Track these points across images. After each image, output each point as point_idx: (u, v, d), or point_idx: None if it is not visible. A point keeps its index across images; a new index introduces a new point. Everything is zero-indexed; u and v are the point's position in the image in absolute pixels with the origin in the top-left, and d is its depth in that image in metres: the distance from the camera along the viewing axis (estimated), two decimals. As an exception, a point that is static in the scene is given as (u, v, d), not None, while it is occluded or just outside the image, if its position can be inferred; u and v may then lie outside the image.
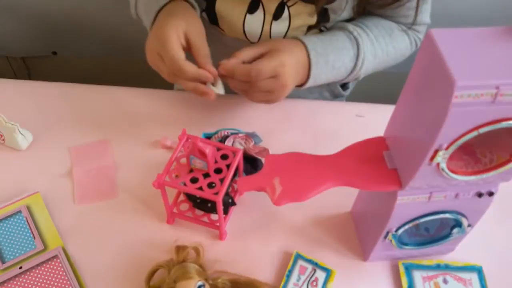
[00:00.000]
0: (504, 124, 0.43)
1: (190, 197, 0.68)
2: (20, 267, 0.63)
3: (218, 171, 0.63)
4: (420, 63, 0.46)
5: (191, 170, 0.64)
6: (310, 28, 0.78)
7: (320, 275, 0.63)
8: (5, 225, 0.67)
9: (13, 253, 0.65)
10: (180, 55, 0.64)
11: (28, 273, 0.63)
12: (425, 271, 0.64)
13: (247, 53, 0.68)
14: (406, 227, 0.58)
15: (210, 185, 0.61)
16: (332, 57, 0.73)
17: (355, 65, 0.75)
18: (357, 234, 0.68)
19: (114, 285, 0.63)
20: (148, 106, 0.82)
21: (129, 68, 1.20)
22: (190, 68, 0.64)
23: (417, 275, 0.63)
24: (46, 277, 0.63)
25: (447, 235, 0.61)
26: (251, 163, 0.70)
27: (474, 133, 0.44)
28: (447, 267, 0.64)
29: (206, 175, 0.63)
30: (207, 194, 0.60)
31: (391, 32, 0.79)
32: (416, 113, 0.48)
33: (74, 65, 1.32)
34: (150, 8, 0.72)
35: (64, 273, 0.63)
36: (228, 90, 0.86)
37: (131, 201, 0.71)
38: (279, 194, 0.54)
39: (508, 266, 0.65)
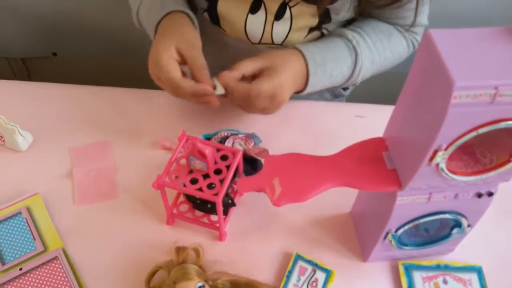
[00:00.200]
0: (503, 124, 0.43)
1: (190, 198, 0.68)
2: (20, 269, 0.63)
3: (218, 172, 0.63)
4: (419, 64, 0.46)
5: (190, 171, 0.64)
6: (311, 29, 0.78)
7: (320, 276, 0.63)
8: (5, 226, 0.67)
9: (13, 255, 0.65)
10: (175, 74, 0.67)
11: (28, 274, 0.63)
12: (425, 272, 0.64)
13: (247, 67, 0.69)
14: (406, 227, 0.58)
15: (210, 186, 0.61)
16: (330, 66, 0.74)
17: (353, 72, 0.76)
18: (357, 235, 0.68)
19: (114, 286, 0.63)
20: (148, 107, 0.82)
21: (129, 69, 1.20)
22: (187, 84, 0.67)
23: (417, 276, 0.63)
24: (46, 279, 0.63)
25: (447, 236, 0.61)
26: (251, 164, 0.70)
27: (473, 134, 0.44)
28: (446, 268, 0.64)
29: (206, 176, 0.63)
30: (207, 195, 0.60)
31: (389, 36, 0.79)
32: (415, 113, 0.48)
33: (74, 66, 1.32)
34: (151, 20, 0.75)
35: (64, 274, 0.63)
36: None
37: (131, 202, 0.71)
38: (278, 195, 0.54)
39: (507, 266, 0.65)
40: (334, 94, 0.97)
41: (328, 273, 0.63)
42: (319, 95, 0.94)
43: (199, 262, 0.61)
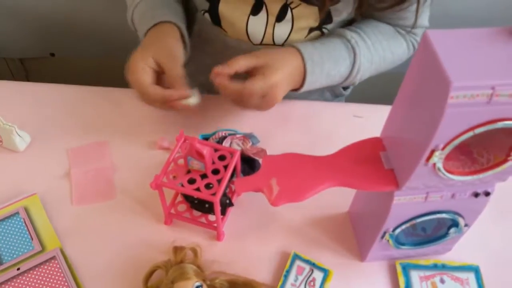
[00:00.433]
0: (500, 124, 0.44)
1: (187, 198, 0.68)
2: (18, 269, 0.63)
3: (215, 172, 0.63)
4: (416, 64, 0.46)
5: (188, 171, 0.64)
6: (312, 30, 0.78)
7: (318, 275, 0.63)
8: (2, 226, 0.67)
9: (11, 255, 0.65)
10: (144, 78, 0.68)
11: (26, 274, 0.63)
12: (422, 271, 0.64)
13: (241, 64, 0.69)
14: (403, 227, 0.58)
15: (208, 186, 0.62)
16: (328, 65, 0.74)
17: (351, 72, 0.76)
18: (355, 235, 0.68)
19: (112, 286, 0.63)
20: (145, 108, 0.81)
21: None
22: (154, 91, 0.68)
23: (414, 275, 0.63)
24: (44, 278, 0.63)
25: (444, 235, 0.62)
26: (249, 164, 0.71)
27: (470, 134, 0.44)
28: (444, 267, 0.64)
29: (204, 176, 0.63)
30: (204, 195, 0.60)
31: (389, 37, 0.79)
32: (412, 113, 0.48)
33: (72, 66, 1.32)
34: (142, 27, 0.76)
35: (62, 274, 0.63)
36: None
37: (129, 202, 0.71)
38: (276, 195, 0.54)
39: (504, 265, 0.65)
40: (334, 93, 0.97)
41: (326, 272, 0.63)
42: (320, 95, 0.94)
43: (197, 262, 0.62)
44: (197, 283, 0.57)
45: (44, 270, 0.64)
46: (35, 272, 0.63)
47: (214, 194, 0.60)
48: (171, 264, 0.61)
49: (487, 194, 0.55)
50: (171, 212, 0.68)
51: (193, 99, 0.69)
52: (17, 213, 0.68)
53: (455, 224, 0.60)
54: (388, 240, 0.60)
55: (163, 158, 0.74)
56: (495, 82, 0.40)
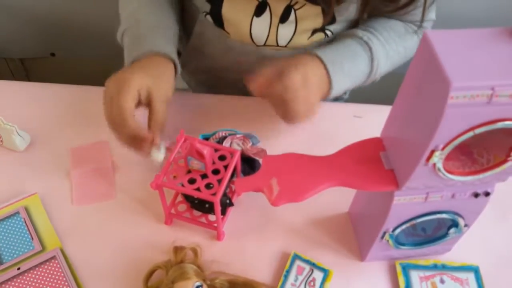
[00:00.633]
0: (499, 124, 0.44)
1: (188, 198, 0.68)
2: (18, 268, 0.63)
3: (216, 172, 0.63)
4: (416, 65, 0.46)
5: (189, 171, 0.64)
6: (315, 31, 0.78)
7: (318, 275, 0.63)
8: (3, 226, 0.67)
9: (11, 254, 0.65)
10: (131, 106, 0.63)
11: (26, 274, 0.63)
12: (422, 271, 0.64)
13: (266, 74, 0.68)
14: (403, 227, 0.58)
15: (208, 186, 0.62)
16: (348, 65, 0.73)
17: (371, 68, 0.76)
18: (355, 235, 0.68)
19: (112, 286, 0.63)
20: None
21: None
22: (133, 123, 0.63)
23: (414, 275, 0.63)
24: (44, 278, 0.63)
25: (444, 235, 0.62)
26: (249, 164, 0.71)
27: (470, 134, 0.44)
28: (444, 267, 0.64)
29: (204, 176, 0.63)
30: (204, 195, 0.60)
31: (400, 33, 0.79)
32: (412, 114, 0.49)
33: (72, 66, 1.32)
34: (131, 52, 0.72)
35: (62, 274, 0.63)
36: (227, 90, 0.86)
37: (129, 202, 0.71)
38: (276, 195, 0.54)
39: (504, 265, 0.66)
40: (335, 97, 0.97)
41: (326, 272, 0.63)
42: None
43: (197, 262, 0.62)
44: (197, 283, 0.57)
45: (44, 270, 0.64)
46: (35, 272, 0.63)
47: (214, 194, 0.60)
48: (171, 264, 0.61)
49: (487, 194, 0.55)
50: (172, 212, 0.68)
51: (161, 154, 0.66)
52: (18, 212, 0.68)
53: (455, 224, 0.60)
54: (388, 240, 0.60)
55: (163, 158, 0.74)
56: (495, 82, 0.40)
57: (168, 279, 0.59)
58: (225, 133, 0.75)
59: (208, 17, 0.79)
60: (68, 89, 0.86)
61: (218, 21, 0.79)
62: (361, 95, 0.96)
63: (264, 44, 0.80)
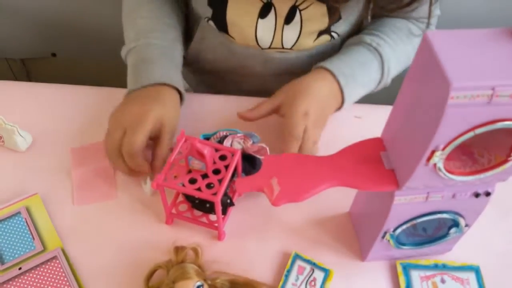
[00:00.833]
0: (500, 124, 0.44)
1: (188, 198, 0.68)
2: (20, 268, 0.63)
3: (216, 172, 0.63)
4: (416, 65, 0.47)
5: (189, 171, 0.64)
6: (321, 33, 0.78)
7: (318, 275, 0.63)
8: (4, 226, 0.68)
9: (13, 254, 0.65)
10: (143, 141, 0.65)
11: (27, 274, 0.63)
12: (422, 271, 0.64)
13: (265, 109, 0.71)
14: (404, 227, 0.58)
15: (209, 186, 0.62)
16: (359, 74, 0.73)
17: (382, 74, 0.76)
18: (356, 234, 0.68)
19: (113, 285, 0.63)
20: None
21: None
22: (141, 158, 0.66)
23: (415, 275, 0.63)
24: (45, 278, 0.63)
25: (445, 235, 0.62)
26: (250, 162, 0.70)
27: (471, 134, 0.44)
28: (444, 267, 0.64)
29: (205, 176, 0.63)
30: (205, 194, 0.60)
31: (408, 32, 0.79)
32: (412, 114, 0.49)
33: (73, 66, 1.32)
34: (139, 76, 0.73)
35: (64, 274, 0.63)
36: (229, 91, 0.86)
37: (130, 202, 0.71)
38: (277, 195, 0.54)
39: (505, 265, 0.66)
40: None
41: (327, 272, 0.63)
42: None
43: (198, 262, 0.62)
44: (198, 283, 0.57)
45: (45, 270, 0.64)
46: (36, 272, 0.64)
47: (215, 194, 0.60)
48: (172, 264, 0.61)
49: (488, 194, 0.55)
50: (172, 212, 0.68)
51: (148, 187, 0.70)
52: (19, 213, 0.69)
53: (455, 224, 0.60)
54: (388, 240, 0.60)
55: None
56: (495, 82, 0.40)
57: (169, 279, 0.59)
58: (225, 133, 0.75)
59: (211, 22, 0.79)
60: (69, 89, 0.86)
61: (222, 25, 0.78)
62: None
63: (269, 47, 0.79)
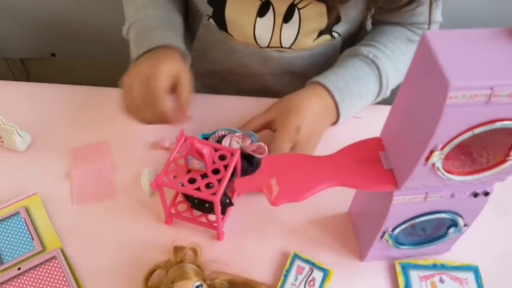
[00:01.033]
0: (498, 124, 0.44)
1: (188, 198, 0.68)
2: (19, 268, 0.63)
3: (216, 171, 0.64)
4: (415, 65, 0.47)
5: (189, 171, 0.64)
6: (321, 33, 0.78)
7: (317, 275, 0.63)
8: (3, 226, 0.68)
9: (12, 254, 0.65)
10: (165, 85, 0.66)
11: (26, 274, 0.63)
12: (421, 271, 0.64)
13: (256, 123, 0.72)
14: (403, 227, 0.58)
15: (208, 186, 0.62)
16: (356, 87, 0.73)
17: (381, 86, 0.75)
18: (355, 234, 0.68)
19: (112, 285, 0.63)
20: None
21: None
22: (166, 101, 0.66)
23: (414, 275, 0.63)
24: (45, 278, 0.63)
25: (443, 235, 0.62)
26: (248, 160, 0.70)
27: (469, 134, 0.44)
28: (443, 267, 0.64)
29: (204, 175, 0.63)
30: (205, 194, 0.60)
31: (406, 41, 0.79)
32: (411, 114, 0.49)
33: (72, 66, 1.32)
34: (141, 43, 0.73)
35: (63, 274, 0.63)
36: (230, 92, 0.86)
37: (129, 202, 0.71)
38: (276, 195, 0.54)
39: (504, 265, 0.66)
40: None
41: (326, 272, 0.63)
42: None
43: (197, 262, 0.62)
44: (197, 283, 0.57)
45: (44, 270, 0.64)
46: (35, 272, 0.64)
47: (214, 194, 0.60)
48: (171, 263, 0.61)
49: (486, 194, 0.55)
50: (172, 211, 0.68)
51: (147, 187, 0.71)
52: (18, 213, 0.69)
53: (454, 224, 0.60)
54: (387, 240, 0.60)
55: (163, 158, 0.74)
56: (493, 82, 0.40)
57: (168, 279, 0.59)
58: (224, 132, 0.75)
59: (211, 20, 0.79)
60: (68, 89, 0.86)
61: (221, 24, 0.79)
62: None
63: (268, 46, 0.79)
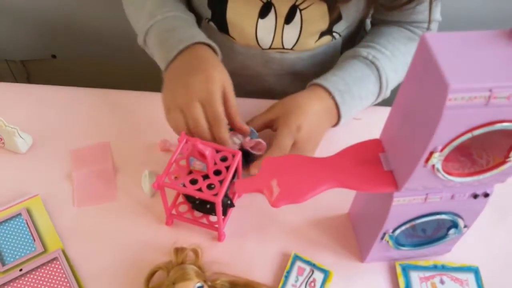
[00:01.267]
0: (497, 126, 0.44)
1: (189, 199, 0.68)
2: (20, 270, 0.63)
3: (217, 172, 0.64)
4: (414, 67, 0.47)
5: (190, 172, 0.65)
6: (322, 34, 0.78)
7: (318, 276, 0.63)
8: (5, 227, 0.68)
9: (13, 256, 0.65)
10: (223, 110, 0.66)
11: (28, 275, 0.64)
12: (422, 272, 0.64)
13: (258, 122, 0.72)
14: (403, 228, 0.59)
15: (209, 187, 0.62)
16: (356, 88, 0.73)
17: (380, 87, 0.76)
18: (355, 236, 0.68)
19: (114, 286, 0.63)
20: (147, 109, 0.83)
21: (128, 71, 1.21)
22: (221, 105, 0.65)
23: (414, 276, 0.64)
24: (46, 279, 0.63)
25: (444, 236, 0.62)
26: (244, 157, 0.70)
27: (468, 135, 0.44)
28: (443, 268, 0.64)
29: (206, 176, 0.63)
30: (206, 195, 0.61)
31: (406, 41, 0.79)
32: (411, 115, 0.49)
33: (73, 68, 1.32)
34: (170, 43, 0.71)
35: (64, 275, 0.63)
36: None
37: (131, 203, 0.71)
38: (276, 196, 0.54)
39: (504, 266, 0.66)
40: None
41: (326, 273, 0.64)
42: None
43: (198, 263, 0.62)
44: (198, 284, 0.58)
45: (46, 271, 0.64)
46: (37, 273, 0.64)
47: (216, 195, 0.60)
48: (172, 265, 0.61)
49: (486, 195, 0.55)
50: (173, 212, 0.69)
51: (148, 188, 0.71)
52: (20, 214, 0.69)
53: (454, 225, 0.60)
54: (388, 241, 0.61)
55: (164, 159, 0.74)
56: (493, 84, 0.40)
57: (169, 280, 0.59)
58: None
59: (211, 23, 0.79)
60: (69, 91, 0.86)
61: (222, 26, 0.79)
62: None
63: (270, 47, 0.79)
